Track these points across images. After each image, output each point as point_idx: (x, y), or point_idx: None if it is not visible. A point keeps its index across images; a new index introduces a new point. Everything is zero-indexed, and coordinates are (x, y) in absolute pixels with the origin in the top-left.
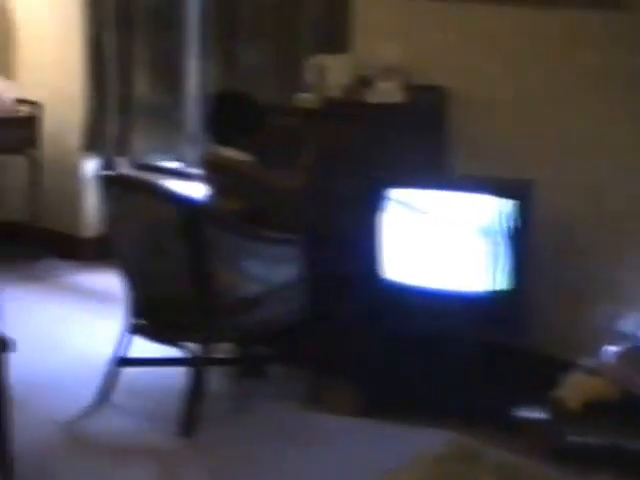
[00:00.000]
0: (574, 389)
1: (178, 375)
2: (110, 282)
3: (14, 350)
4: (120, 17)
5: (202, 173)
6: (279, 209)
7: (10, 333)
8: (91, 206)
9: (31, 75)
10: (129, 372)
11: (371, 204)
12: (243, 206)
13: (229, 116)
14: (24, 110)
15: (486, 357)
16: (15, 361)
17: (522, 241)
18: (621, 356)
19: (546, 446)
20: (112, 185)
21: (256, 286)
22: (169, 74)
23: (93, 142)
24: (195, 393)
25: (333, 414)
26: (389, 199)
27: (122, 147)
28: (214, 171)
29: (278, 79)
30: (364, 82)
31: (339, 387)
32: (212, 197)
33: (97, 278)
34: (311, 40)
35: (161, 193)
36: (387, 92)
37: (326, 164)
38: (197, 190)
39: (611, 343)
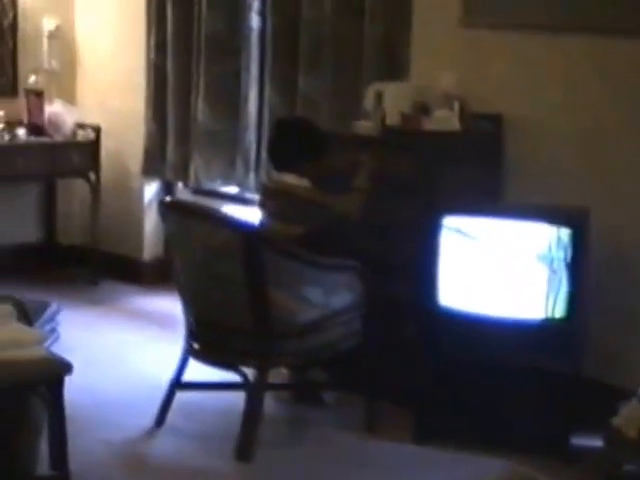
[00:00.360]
0: (631, 418)
1: (235, 399)
2: (170, 306)
3: (70, 373)
4: (181, 43)
5: (261, 199)
6: (337, 235)
7: (70, 355)
8: (151, 230)
9: (92, 99)
10: (187, 395)
11: (428, 231)
12: (301, 232)
13: (290, 142)
14: (85, 134)
15: (543, 385)
16: (74, 383)
17: (578, 269)
18: None
19: (603, 475)
20: (170, 210)
21: (313, 312)
22: (229, 100)
23: (153, 166)
24: (252, 417)
25: (388, 440)
26: (446, 226)
27: (182, 172)
28: (273, 196)
29: (337, 106)
30: (422, 109)
31: (395, 414)
32: (271, 222)
33: (157, 302)
34: (370, 67)
35: (219, 218)
36: (445, 120)
37: (384, 191)
38: (255, 216)
39: None
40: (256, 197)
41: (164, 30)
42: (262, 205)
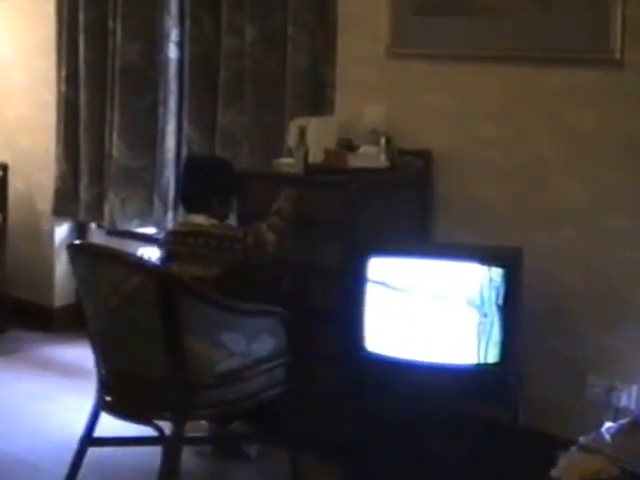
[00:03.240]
0: (572, 468)
1: (151, 454)
2: (82, 355)
3: None
4: (94, 75)
5: (166, 242)
6: (254, 271)
7: None
8: (62, 274)
9: None
10: (99, 452)
11: (353, 273)
12: (217, 272)
13: (200, 181)
14: None
15: (479, 433)
16: None
17: (510, 312)
18: (618, 433)
19: None
20: (80, 254)
21: (233, 360)
22: (145, 136)
23: (64, 207)
24: (168, 474)
25: None
26: (372, 268)
27: (95, 212)
28: (179, 238)
29: (259, 142)
30: (347, 146)
31: (320, 468)
32: (165, 264)
33: (68, 351)
34: (293, 101)
35: (131, 262)
36: (371, 156)
37: (306, 231)
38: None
39: (607, 419)
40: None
41: (76, 62)
42: (166, 249)
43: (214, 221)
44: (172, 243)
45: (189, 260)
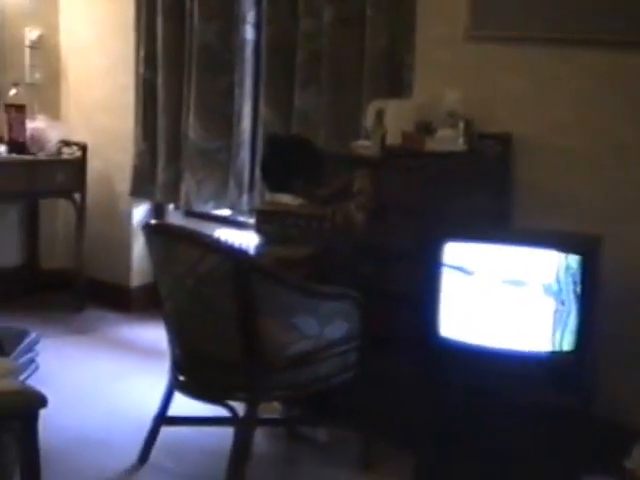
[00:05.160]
0: None
1: (224, 435)
2: (158, 335)
3: (45, 406)
4: (172, 57)
5: (256, 224)
6: (341, 252)
7: (48, 388)
8: (140, 254)
9: (78, 115)
10: (172, 431)
11: (429, 258)
12: (308, 253)
13: (285, 160)
14: (70, 152)
15: (551, 422)
16: (51, 418)
17: (587, 299)
18: None
19: None
20: (156, 234)
21: (306, 343)
22: (222, 117)
23: (142, 187)
24: (240, 454)
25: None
26: (448, 253)
27: (172, 193)
28: (270, 220)
29: (335, 124)
30: (425, 129)
31: (392, 452)
32: (263, 246)
33: (144, 331)
34: (371, 83)
35: (207, 243)
36: (449, 140)
37: (384, 215)
38: (249, 240)
39: None
40: (249, 220)
41: (154, 43)
42: (258, 230)
43: (301, 201)
44: (260, 222)
45: (278, 240)
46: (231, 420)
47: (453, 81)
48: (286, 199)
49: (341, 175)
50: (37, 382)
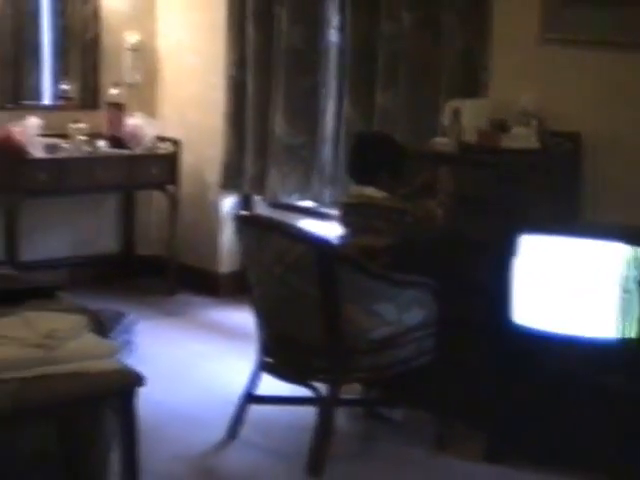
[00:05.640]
0: None
1: (307, 413)
2: (245, 319)
3: (142, 385)
4: (261, 58)
5: (338, 212)
6: (421, 243)
7: (142, 367)
8: (228, 242)
9: (172, 113)
10: (259, 409)
11: (504, 249)
12: (388, 242)
13: (370, 155)
14: (164, 147)
15: (618, 406)
16: (146, 395)
17: None
18: None
19: None
20: (246, 225)
21: (386, 328)
22: (307, 115)
23: (231, 180)
24: (323, 432)
25: (459, 459)
26: (522, 245)
27: (259, 186)
28: (354, 211)
29: (414, 122)
30: (500, 127)
31: (466, 432)
32: (347, 236)
33: (232, 314)
34: (448, 83)
35: (294, 233)
36: (523, 137)
37: (460, 208)
38: (332, 230)
39: None
40: (332, 211)
41: (244, 45)
42: (343, 221)
43: (384, 194)
44: (344, 213)
45: (362, 230)
46: (314, 400)
47: (527, 81)
48: (369, 191)
49: (421, 171)
50: (134, 361)
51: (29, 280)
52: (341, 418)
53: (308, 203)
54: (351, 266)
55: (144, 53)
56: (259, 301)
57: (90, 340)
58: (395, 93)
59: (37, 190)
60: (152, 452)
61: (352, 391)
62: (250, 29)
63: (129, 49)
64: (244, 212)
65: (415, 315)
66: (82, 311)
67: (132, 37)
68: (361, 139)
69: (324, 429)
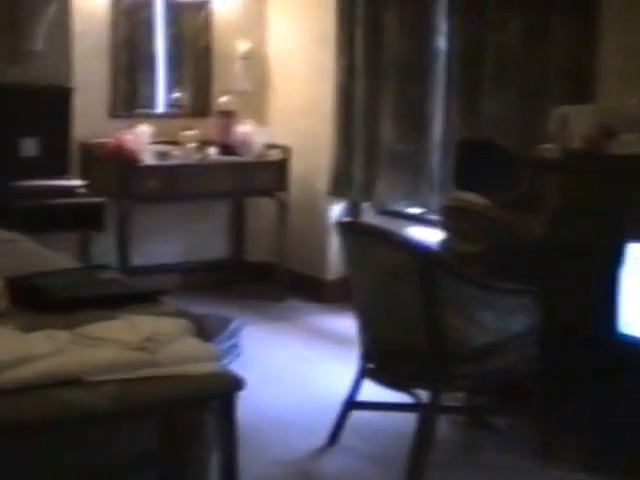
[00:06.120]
0: None
1: (408, 420)
2: (350, 325)
3: (242, 389)
4: (370, 66)
5: (442, 219)
6: (516, 255)
7: (246, 371)
8: (336, 249)
9: (282, 120)
10: (360, 415)
11: (611, 257)
12: (480, 250)
13: (477, 162)
14: (274, 154)
15: None
16: (249, 399)
17: None
18: None
19: None
20: (348, 231)
21: (488, 336)
22: (415, 122)
23: (339, 187)
24: (423, 440)
25: (561, 469)
26: (629, 253)
27: (367, 193)
28: (454, 215)
29: (520, 129)
30: (608, 133)
31: (569, 441)
32: (449, 242)
33: (338, 321)
34: (555, 90)
35: (396, 241)
36: (631, 143)
37: (566, 215)
38: (436, 237)
39: None
40: (439, 218)
41: (353, 54)
42: (443, 225)
43: (486, 201)
44: (446, 218)
45: (460, 236)
46: (415, 407)
47: (635, 86)
48: (471, 197)
49: (526, 178)
50: (239, 366)
51: (134, 284)
52: (443, 425)
53: (416, 210)
54: (452, 273)
55: (254, 61)
56: (362, 307)
57: (191, 344)
58: (502, 99)
59: (148, 197)
60: (252, 456)
61: (455, 398)
62: (359, 36)
63: (240, 57)
64: (346, 219)
65: (517, 323)
66: (184, 315)
67: (243, 45)
68: (467, 145)
69: (424, 436)
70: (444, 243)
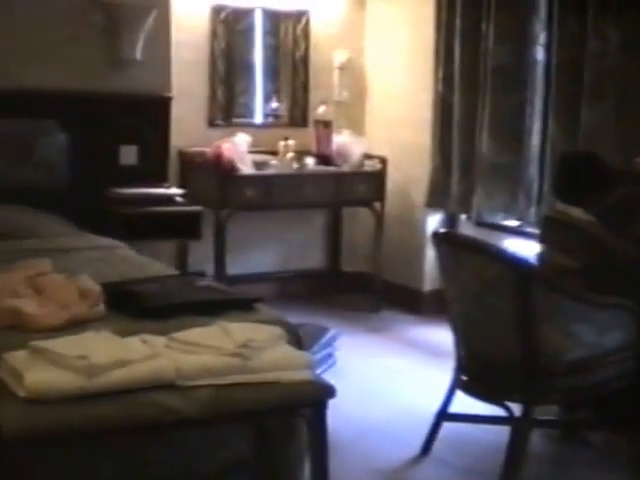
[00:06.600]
0: None
1: (501, 433)
2: (445, 336)
3: (333, 397)
4: (468, 77)
5: (541, 231)
6: (614, 273)
7: (342, 381)
8: (432, 261)
9: (380, 131)
10: (452, 426)
11: None
12: (578, 265)
13: (578, 176)
14: (371, 164)
15: None
16: (342, 409)
17: None
18: None
19: None
20: (443, 242)
21: (583, 350)
22: (513, 134)
23: (437, 199)
24: (516, 453)
25: None
26: None
27: (464, 204)
28: (555, 227)
29: (620, 141)
30: None
31: None
32: (547, 254)
33: (433, 332)
34: None
35: (491, 252)
36: None
37: None
38: (533, 250)
39: None
40: (537, 231)
41: (451, 64)
42: (542, 238)
43: (591, 218)
44: (545, 229)
45: (558, 249)
46: (508, 420)
47: None
48: (576, 212)
49: (619, 191)
50: (334, 375)
51: (230, 292)
52: (536, 439)
53: (514, 222)
54: (548, 286)
55: (352, 71)
56: (456, 319)
57: (285, 351)
58: (601, 111)
59: (245, 206)
60: (343, 464)
61: (548, 412)
62: (457, 47)
63: (337, 67)
64: (442, 230)
65: (614, 337)
66: (280, 323)
67: (340, 55)
68: (567, 158)
69: (517, 449)
70: (541, 255)
